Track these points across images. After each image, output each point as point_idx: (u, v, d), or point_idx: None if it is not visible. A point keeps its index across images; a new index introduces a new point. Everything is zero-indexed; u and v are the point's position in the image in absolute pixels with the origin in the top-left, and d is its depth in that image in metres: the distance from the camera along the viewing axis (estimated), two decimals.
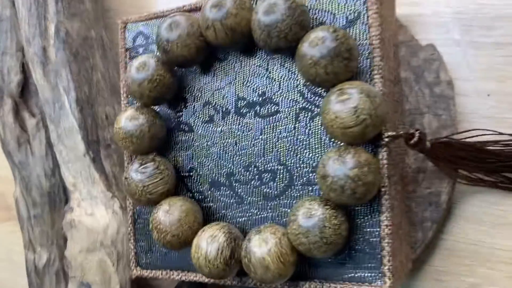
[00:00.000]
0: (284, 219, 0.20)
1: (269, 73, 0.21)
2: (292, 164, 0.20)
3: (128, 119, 0.21)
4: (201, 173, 0.22)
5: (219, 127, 0.22)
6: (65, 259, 0.26)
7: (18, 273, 0.39)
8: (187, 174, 0.22)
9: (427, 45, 0.23)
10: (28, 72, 0.29)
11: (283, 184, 0.20)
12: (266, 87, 0.21)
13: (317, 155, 0.20)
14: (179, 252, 0.22)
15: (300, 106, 0.20)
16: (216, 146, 0.22)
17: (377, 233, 0.19)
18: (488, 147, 0.22)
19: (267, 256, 0.18)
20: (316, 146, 0.20)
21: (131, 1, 0.33)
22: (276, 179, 0.21)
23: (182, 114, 0.22)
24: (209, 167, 0.22)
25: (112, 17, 0.33)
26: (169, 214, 0.20)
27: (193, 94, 0.22)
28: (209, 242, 0.19)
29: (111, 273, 0.24)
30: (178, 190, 0.23)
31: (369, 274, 0.19)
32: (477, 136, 0.22)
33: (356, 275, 0.19)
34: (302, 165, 0.20)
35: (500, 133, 0.22)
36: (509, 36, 0.23)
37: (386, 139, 0.18)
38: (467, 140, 0.21)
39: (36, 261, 0.28)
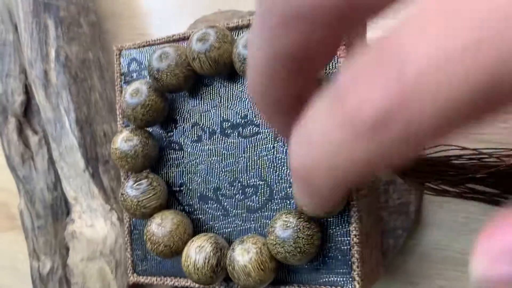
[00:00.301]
0: (266, 230, 0.22)
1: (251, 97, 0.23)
2: (272, 180, 0.22)
3: (123, 140, 0.23)
4: (190, 188, 0.24)
5: (206, 146, 0.24)
6: (68, 267, 0.28)
7: (22, 280, 0.41)
8: (178, 189, 0.25)
9: None
10: (31, 92, 0.31)
11: (264, 198, 0.22)
12: (248, 110, 0.23)
13: None
14: (171, 260, 0.25)
15: None
16: (204, 163, 0.24)
17: (347, 241, 0.21)
18: (452, 161, 0.24)
19: (248, 264, 0.20)
20: None
21: (127, 24, 0.35)
22: (258, 193, 0.23)
23: (173, 134, 0.25)
24: (198, 182, 0.24)
25: (109, 39, 0.35)
26: (161, 226, 0.22)
27: (183, 116, 0.24)
28: (197, 252, 0.21)
29: (110, 280, 0.26)
30: (170, 204, 0.25)
31: (341, 279, 0.21)
32: (442, 151, 0.24)
33: (330, 280, 0.21)
34: (280, 181, 0.22)
35: (464, 148, 0.24)
36: None
37: None
38: (432, 155, 0.24)
39: (40, 269, 0.30)
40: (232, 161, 0.23)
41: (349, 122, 0.09)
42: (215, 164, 0.24)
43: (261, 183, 0.23)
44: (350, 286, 0.21)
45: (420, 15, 0.09)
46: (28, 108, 0.31)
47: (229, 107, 0.23)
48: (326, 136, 0.10)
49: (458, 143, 0.24)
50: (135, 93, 0.23)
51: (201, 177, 0.24)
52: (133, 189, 0.23)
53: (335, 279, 0.21)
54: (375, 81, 0.09)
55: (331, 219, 0.21)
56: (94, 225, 0.27)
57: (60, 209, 0.30)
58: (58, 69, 0.29)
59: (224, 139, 0.23)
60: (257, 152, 0.23)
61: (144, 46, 0.26)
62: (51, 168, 0.30)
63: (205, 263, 0.21)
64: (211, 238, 0.22)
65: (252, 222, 0.23)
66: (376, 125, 0.09)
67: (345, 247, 0.21)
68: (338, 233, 0.21)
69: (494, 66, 0.08)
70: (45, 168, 0.30)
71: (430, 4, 0.09)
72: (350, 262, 0.21)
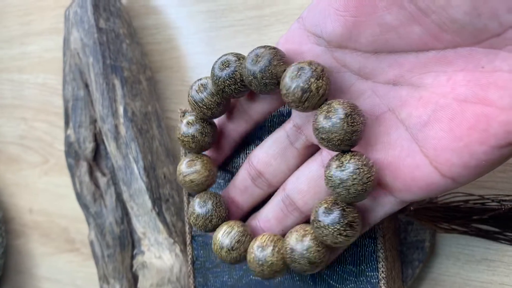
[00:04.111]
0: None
1: None
2: None
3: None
4: None
5: None
6: None
7: None
8: None
9: None
10: (99, 140, 0.37)
11: None
12: None
13: None
14: (231, 285, 0.30)
15: None
16: None
17: (376, 276, 0.26)
18: (460, 206, 0.29)
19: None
20: None
21: (176, 76, 0.40)
22: None
23: None
24: None
25: (161, 88, 0.40)
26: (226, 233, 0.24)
27: None
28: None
29: None
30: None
31: None
32: (452, 197, 0.29)
33: None
34: None
35: (470, 194, 0.29)
36: None
37: None
38: (443, 202, 0.29)
39: None
40: None
41: None
42: None
43: None
44: None
45: None
46: (97, 153, 0.37)
47: None
48: None
49: (465, 191, 0.29)
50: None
51: None
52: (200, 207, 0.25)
53: None
54: None
55: (362, 258, 0.26)
56: (161, 256, 0.32)
57: (126, 240, 0.35)
58: (127, 124, 0.34)
59: None
60: None
61: None
62: (118, 205, 0.36)
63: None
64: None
65: None
66: None
67: (375, 280, 0.26)
68: (368, 269, 0.26)
69: None
70: (113, 205, 0.36)
71: None
72: None
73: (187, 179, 0.25)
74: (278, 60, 0.21)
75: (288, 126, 0.24)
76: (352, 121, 0.20)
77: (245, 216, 0.27)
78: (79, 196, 0.37)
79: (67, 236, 0.47)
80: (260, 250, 0.23)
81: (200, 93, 0.24)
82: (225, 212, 0.25)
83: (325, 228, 0.21)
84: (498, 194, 0.29)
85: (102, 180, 0.36)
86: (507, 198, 0.28)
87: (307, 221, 0.24)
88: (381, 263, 0.26)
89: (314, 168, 0.23)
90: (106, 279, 0.36)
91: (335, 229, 0.21)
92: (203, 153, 0.26)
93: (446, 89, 0.18)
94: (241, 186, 0.26)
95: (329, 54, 0.21)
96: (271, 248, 0.23)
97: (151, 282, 0.33)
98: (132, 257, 0.35)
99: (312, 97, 0.20)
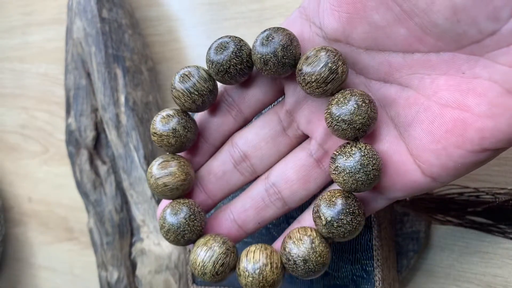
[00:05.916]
0: None
1: None
2: None
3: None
4: None
5: None
6: (136, 278, 0.34)
7: (79, 285, 0.47)
8: None
9: None
10: (100, 128, 0.37)
11: None
12: None
13: None
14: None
15: None
16: None
17: (371, 264, 0.26)
18: (455, 199, 0.29)
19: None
20: None
21: (178, 67, 0.41)
22: None
23: None
24: None
25: (162, 79, 0.41)
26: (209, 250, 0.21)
27: None
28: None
29: None
30: None
31: None
32: (448, 189, 0.29)
33: None
34: None
35: (465, 187, 0.29)
36: None
37: None
38: (439, 194, 0.29)
39: (108, 279, 0.36)
40: None
41: None
42: None
43: None
44: None
45: None
46: (98, 142, 0.37)
47: None
48: None
49: (460, 183, 0.30)
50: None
51: None
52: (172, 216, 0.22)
53: None
54: None
55: (358, 246, 0.27)
56: (160, 243, 0.33)
57: (125, 228, 0.36)
58: (128, 113, 0.35)
59: None
60: None
61: None
62: (118, 193, 0.36)
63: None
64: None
65: None
66: None
67: (370, 268, 0.26)
68: (364, 257, 0.27)
69: None
70: (113, 193, 0.36)
71: None
72: (373, 281, 0.26)
73: (160, 182, 0.21)
74: (297, 41, 0.21)
75: (280, 110, 0.23)
76: (374, 107, 0.20)
77: (212, 208, 0.24)
78: (79, 184, 0.38)
79: (65, 225, 0.47)
80: (258, 272, 0.21)
81: (186, 83, 0.21)
82: (201, 224, 0.22)
83: (335, 222, 0.20)
84: (492, 187, 0.29)
85: (103, 169, 0.37)
86: (501, 191, 0.29)
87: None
88: (376, 252, 0.26)
89: (302, 157, 0.22)
90: (105, 266, 0.36)
91: (343, 221, 0.20)
92: (180, 154, 0.23)
93: (429, 92, 0.19)
94: (219, 171, 0.23)
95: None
96: (268, 266, 0.21)
97: (149, 269, 0.33)
98: (131, 245, 0.35)
99: (337, 80, 0.20)
